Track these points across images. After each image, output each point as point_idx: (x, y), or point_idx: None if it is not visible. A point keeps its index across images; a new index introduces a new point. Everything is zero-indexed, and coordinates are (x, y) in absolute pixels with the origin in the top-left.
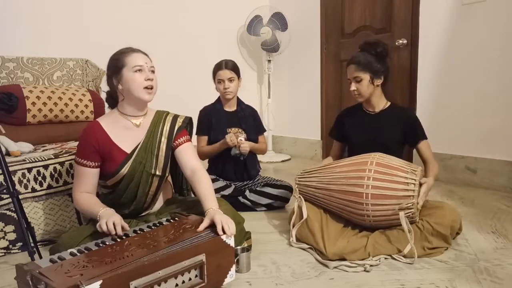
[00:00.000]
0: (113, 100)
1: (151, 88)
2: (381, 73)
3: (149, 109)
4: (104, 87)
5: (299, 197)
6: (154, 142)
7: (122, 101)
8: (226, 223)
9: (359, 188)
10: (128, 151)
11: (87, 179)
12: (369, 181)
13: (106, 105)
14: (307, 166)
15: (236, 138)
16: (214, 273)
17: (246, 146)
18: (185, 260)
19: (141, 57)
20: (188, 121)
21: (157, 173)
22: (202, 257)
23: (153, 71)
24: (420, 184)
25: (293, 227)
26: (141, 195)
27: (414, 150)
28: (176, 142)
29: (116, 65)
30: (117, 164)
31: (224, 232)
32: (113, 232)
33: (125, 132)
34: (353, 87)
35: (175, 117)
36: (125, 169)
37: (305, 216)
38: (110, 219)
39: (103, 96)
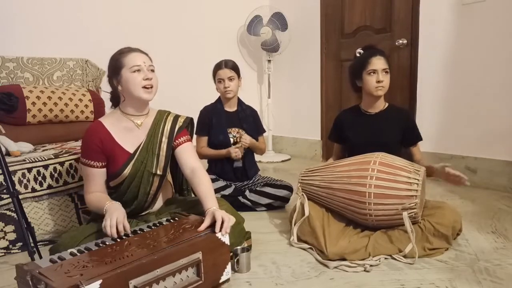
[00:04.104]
0: (116, 100)
1: (151, 88)
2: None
3: (151, 109)
4: (104, 87)
5: (302, 194)
6: (155, 142)
7: (124, 101)
8: (226, 220)
9: (362, 187)
10: (131, 151)
11: (96, 179)
12: (372, 181)
13: (107, 105)
14: (307, 166)
15: (240, 150)
16: (210, 271)
17: (246, 139)
18: (182, 258)
19: (139, 57)
20: (189, 121)
21: (158, 172)
22: (198, 255)
23: (152, 70)
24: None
25: (294, 224)
26: (142, 194)
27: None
28: (177, 141)
29: (115, 66)
30: (119, 165)
31: (220, 230)
32: (115, 236)
33: (127, 132)
34: (381, 77)
35: (176, 117)
36: (127, 170)
37: (306, 213)
38: (113, 217)
39: (103, 96)
